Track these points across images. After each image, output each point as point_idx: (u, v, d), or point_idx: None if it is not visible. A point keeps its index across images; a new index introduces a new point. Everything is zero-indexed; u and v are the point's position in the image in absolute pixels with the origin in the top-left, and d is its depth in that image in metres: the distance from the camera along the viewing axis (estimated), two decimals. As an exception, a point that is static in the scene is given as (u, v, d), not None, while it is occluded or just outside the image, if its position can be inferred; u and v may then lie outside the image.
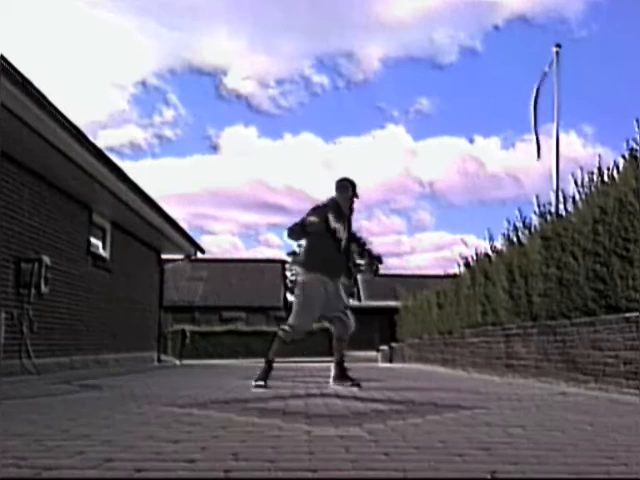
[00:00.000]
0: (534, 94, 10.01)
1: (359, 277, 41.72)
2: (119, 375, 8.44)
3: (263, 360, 5.73)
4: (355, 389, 5.26)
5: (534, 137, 10.01)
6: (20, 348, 7.95)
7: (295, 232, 5.69)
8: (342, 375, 5.66)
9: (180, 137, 70.77)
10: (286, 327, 5.65)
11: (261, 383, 5.38)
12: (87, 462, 2.01)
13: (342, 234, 5.76)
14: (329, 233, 5.66)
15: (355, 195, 5.85)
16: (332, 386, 5.51)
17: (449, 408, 3.70)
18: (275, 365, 5.66)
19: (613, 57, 62.00)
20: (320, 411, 3.51)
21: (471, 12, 63.01)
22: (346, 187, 5.81)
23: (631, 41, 59.81)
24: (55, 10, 55.57)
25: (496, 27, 66.24)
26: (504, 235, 8.64)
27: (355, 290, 39.04)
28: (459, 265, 11.22)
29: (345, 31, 65.42)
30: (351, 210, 5.88)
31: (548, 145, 9.89)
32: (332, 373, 5.76)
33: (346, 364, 5.79)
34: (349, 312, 5.88)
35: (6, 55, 5.95)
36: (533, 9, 63.08)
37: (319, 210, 5.69)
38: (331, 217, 5.68)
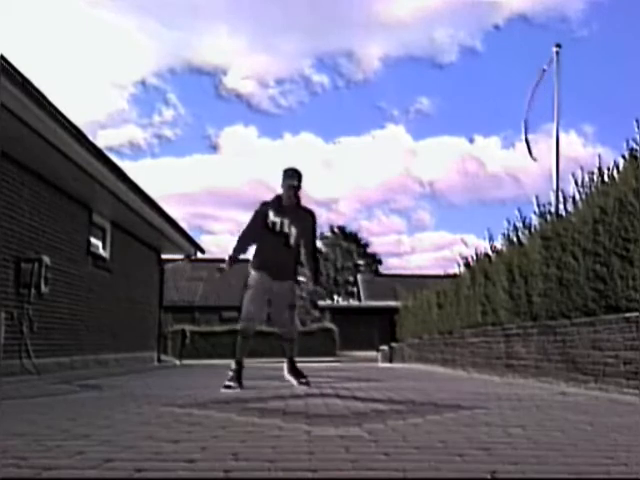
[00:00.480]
0: (530, 94, 10.00)
1: (359, 277, 41.80)
2: (119, 375, 8.44)
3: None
4: (305, 387, 5.37)
5: (523, 137, 10.01)
6: (20, 348, 7.95)
7: (233, 250, 5.74)
8: (292, 368, 5.80)
9: (180, 137, 70.84)
10: (239, 321, 5.72)
11: (231, 384, 5.32)
12: (87, 462, 2.01)
13: (287, 228, 5.62)
14: (269, 230, 5.61)
15: (299, 186, 5.67)
16: (286, 377, 5.76)
17: (449, 408, 3.70)
18: (275, 365, 5.67)
19: (614, 56, 62.09)
20: (320, 411, 3.51)
21: (471, 11, 63.14)
22: (292, 177, 5.64)
23: (632, 40, 59.90)
24: (55, 9, 55.63)
25: (496, 26, 66.40)
26: (504, 235, 8.64)
27: (355, 290, 39.05)
28: (459, 265, 11.22)
29: (345, 30, 65.53)
30: (296, 201, 5.70)
31: (548, 145, 9.90)
32: (285, 367, 5.89)
33: (345, 364, 5.82)
34: (292, 312, 5.83)
35: (6, 55, 5.96)
36: (533, 8, 63.28)
37: (260, 210, 5.69)
38: (271, 213, 5.62)
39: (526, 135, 9.97)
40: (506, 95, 67.33)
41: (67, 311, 9.56)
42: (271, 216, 5.62)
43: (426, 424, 2.97)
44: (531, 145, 10.04)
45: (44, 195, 8.79)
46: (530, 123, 10.26)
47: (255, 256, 5.78)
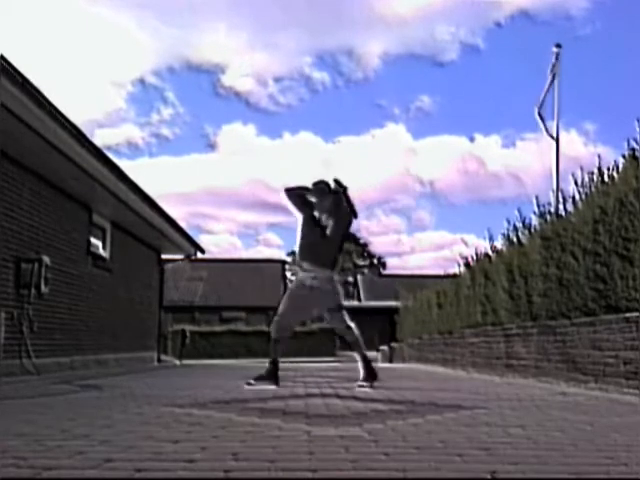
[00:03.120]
0: (543, 95, 9.93)
1: (359, 277, 41.77)
2: (119, 375, 8.44)
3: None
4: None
5: (544, 131, 9.91)
6: (20, 348, 7.95)
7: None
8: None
9: (178, 136, 70.77)
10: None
11: (252, 382, 5.36)
12: (87, 462, 2.01)
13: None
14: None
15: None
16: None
17: (449, 408, 3.70)
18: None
19: (616, 55, 62.04)
20: (320, 411, 3.51)
21: (472, 8, 63.05)
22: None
23: (635, 39, 59.81)
24: (54, 7, 55.64)
25: (498, 24, 66.40)
26: (504, 235, 8.64)
27: (355, 290, 39.05)
28: (459, 265, 11.23)
29: (345, 28, 65.54)
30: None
31: (549, 144, 9.88)
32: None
33: (345, 364, 5.79)
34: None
35: (5, 54, 5.96)
36: (536, 6, 63.14)
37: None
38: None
39: (541, 118, 9.89)
40: (507, 93, 67.43)
41: (67, 311, 9.56)
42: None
43: (426, 424, 2.97)
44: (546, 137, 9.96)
45: (44, 195, 8.78)
46: (532, 121, 10.21)
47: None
